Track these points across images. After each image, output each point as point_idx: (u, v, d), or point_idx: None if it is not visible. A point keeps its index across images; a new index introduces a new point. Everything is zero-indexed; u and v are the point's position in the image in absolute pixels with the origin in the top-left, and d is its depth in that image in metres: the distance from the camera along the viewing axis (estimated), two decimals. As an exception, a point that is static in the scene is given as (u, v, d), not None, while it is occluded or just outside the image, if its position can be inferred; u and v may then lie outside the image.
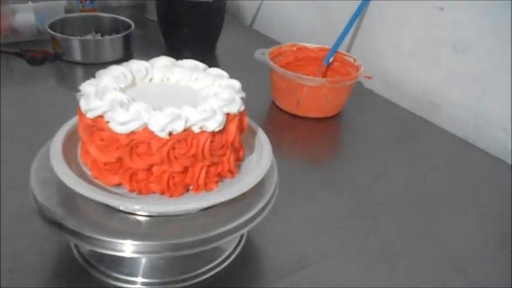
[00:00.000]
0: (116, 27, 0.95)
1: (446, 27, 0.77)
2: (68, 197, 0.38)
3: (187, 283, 0.43)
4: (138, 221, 0.38)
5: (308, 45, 0.84)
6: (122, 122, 0.37)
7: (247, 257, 0.47)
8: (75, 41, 0.85)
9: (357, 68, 0.77)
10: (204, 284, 0.44)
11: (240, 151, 0.44)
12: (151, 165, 0.38)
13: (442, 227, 0.55)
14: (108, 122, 0.37)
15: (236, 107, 0.41)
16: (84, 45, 0.86)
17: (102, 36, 0.94)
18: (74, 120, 0.44)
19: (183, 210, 0.39)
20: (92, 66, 0.83)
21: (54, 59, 0.87)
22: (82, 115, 0.39)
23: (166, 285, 0.43)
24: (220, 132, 0.39)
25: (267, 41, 1.06)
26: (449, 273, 0.48)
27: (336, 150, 0.73)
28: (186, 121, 0.37)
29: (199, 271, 0.44)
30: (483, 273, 0.49)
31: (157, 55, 0.48)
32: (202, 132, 0.38)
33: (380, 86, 0.89)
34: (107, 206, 0.38)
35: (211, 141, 0.39)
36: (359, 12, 0.82)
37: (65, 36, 0.85)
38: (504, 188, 0.63)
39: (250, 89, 0.46)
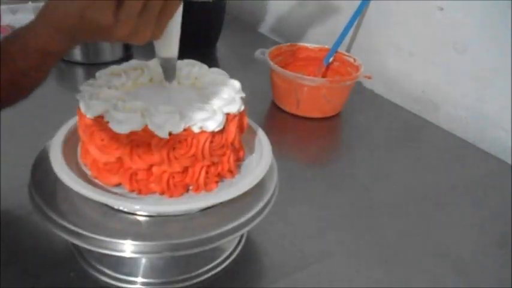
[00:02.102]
0: (115, 27, 0.95)
1: (446, 27, 0.77)
2: (68, 197, 0.38)
3: (187, 283, 0.43)
4: (138, 221, 0.38)
5: (308, 45, 0.84)
6: (121, 122, 0.37)
7: (248, 256, 0.47)
8: (75, 41, 0.85)
9: (357, 68, 0.77)
10: (204, 284, 0.44)
11: (240, 151, 0.44)
12: (151, 165, 0.38)
13: (441, 227, 0.55)
14: (108, 122, 0.37)
15: (236, 107, 0.41)
16: (84, 45, 0.86)
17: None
18: (74, 120, 0.44)
19: (183, 210, 0.39)
20: (92, 66, 0.84)
21: (54, 59, 0.86)
22: (82, 115, 0.39)
23: (166, 285, 0.43)
24: (220, 132, 0.39)
25: (267, 41, 1.06)
26: (449, 273, 0.48)
27: (336, 150, 0.73)
28: (186, 121, 0.37)
29: (199, 271, 0.44)
30: (483, 273, 0.49)
31: (158, 55, 0.48)
32: (202, 132, 0.38)
33: (380, 86, 0.89)
34: (107, 206, 0.38)
35: (211, 141, 0.39)
36: (359, 12, 0.82)
37: (65, 36, 0.85)
38: (504, 188, 0.63)
39: (250, 89, 0.46)
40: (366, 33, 0.91)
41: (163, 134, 0.37)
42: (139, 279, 0.43)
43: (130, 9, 0.30)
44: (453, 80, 0.78)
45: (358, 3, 0.81)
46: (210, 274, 0.44)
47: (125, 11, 0.30)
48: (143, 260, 0.44)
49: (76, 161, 0.42)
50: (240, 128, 0.42)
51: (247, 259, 0.47)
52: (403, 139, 0.74)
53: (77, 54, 0.86)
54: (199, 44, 0.98)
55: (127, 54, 0.91)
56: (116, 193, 0.39)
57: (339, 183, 0.62)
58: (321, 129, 0.75)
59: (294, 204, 0.55)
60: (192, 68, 0.46)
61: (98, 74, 0.43)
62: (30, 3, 0.91)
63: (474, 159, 0.70)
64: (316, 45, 0.83)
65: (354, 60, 0.79)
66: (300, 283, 0.45)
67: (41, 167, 0.41)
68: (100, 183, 0.40)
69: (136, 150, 0.38)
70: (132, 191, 0.40)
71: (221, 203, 0.39)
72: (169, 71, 0.41)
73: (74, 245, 0.45)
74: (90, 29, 0.31)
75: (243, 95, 0.43)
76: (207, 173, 0.40)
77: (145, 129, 0.37)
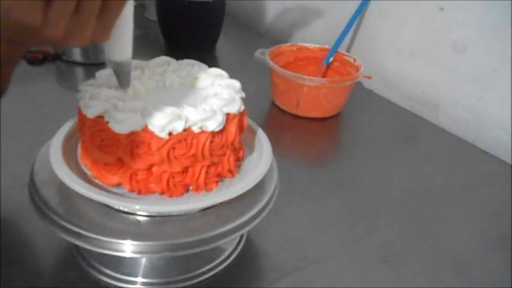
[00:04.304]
0: (115, 27, 0.94)
1: (446, 27, 0.77)
2: (68, 197, 0.38)
3: (187, 283, 0.43)
4: (138, 221, 0.38)
5: (308, 45, 0.84)
6: (121, 122, 0.37)
7: (247, 257, 0.47)
8: (75, 41, 0.85)
9: (357, 68, 0.77)
10: (204, 284, 0.44)
11: (240, 151, 0.44)
12: (151, 165, 0.38)
13: (442, 227, 0.55)
14: (108, 122, 0.37)
15: (236, 107, 0.41)
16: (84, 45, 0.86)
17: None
18: (74, 120, 0.44)
19: (183, 210, 0.39)
20: (92, 66, 0.84)
21: (54, 59, 0.87)
22: (82, 115, 0.39)
23: (166, 285, 0.43)
24: (220, 132, 0.39)
25: (267, 41, 1.06)
26: (449, 273, 0.48)
27: (336, 150, 0.73)
28: (186, 121, 0.37)
29: (199, 271, 0.44)
30: (483, 273, 0.49)
31: (157, 55, 0.48)
32: (202, 132, 0.38)
33: (380, 86, 0.89)
34: (107, 206, 0.38)
35: (211, 141, 0.39)
36: (359, 12, 0.82)
37: (65, 36, 0.85)
38: (504, 188, 0.63)
39: (250, 89, 0.46)
40: (366, 33, 0.91)
41: (163, 134, 0.37)
42: (139, 279, 0.43)
43: (61, 7, 0.27)
44: (453, 80, 0.78)
45: (358, 3, 0.81)
46: (210, 274, 0.44)
47: (55, 10, 0.27)
48: (143, 260, 0.44)
49: (76, 161, 0.42)
50: (240, 128, 0.42)
51: (247, 259, 0.47)
52: (403, 139, 0.74)
53: (77, 54, 0.86)
54: (199, 43, 0.98)
55: (127, 54, 0.91)
56: (116, 193, 0.39)
57: (339, 183, 0.62)
58: (321, 129, 0.75)
59: (294, 204, 0.55)
60: (192, 68, 0.46)
61: (97, 74, 0.43)
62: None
63: (474, 159, 0.70)
64: (316, 45, 0.83)
65: (354, 60, 0.79)
66: (300, 283, 0.45)
67: (41, 167, 0.41)
68: (100, 183, 0.40)
69: (136, 150, 0.38)
70: (132, 191, 0.40)
71: (221, 203, 0.39)
72: (122, 77, 0.37)
73: (73, 245, 0.45)
74: (18, 30, 0.28)
75: (243, 95, 0.43)
76: (207, 173, 0.40)
77: (145, 129, 0.37)
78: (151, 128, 0.37)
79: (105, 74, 0.43)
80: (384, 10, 0.86)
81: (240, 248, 0.48)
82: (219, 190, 0.41)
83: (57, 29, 0.28)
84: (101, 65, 0.45)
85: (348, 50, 0.94)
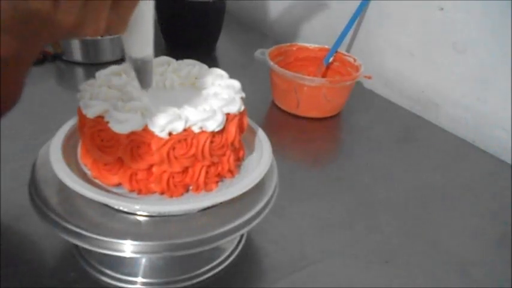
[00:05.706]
0: (115, 27, 0.94)
1: (446, 27, 0.77)
2: (68, 197, 0.38)
3: (187, 283, 0.43)
4: (138, 221, 0.38)
5: (308, 45, 0.84)
6: (121, 122, 0.37)
7: (247, 257, 0.47)
8: (75, 41, 0.85)
9: (357, 68, 0.77)
10: (204, 284, 0.44)
11: (240, 151, 0.44)
12: (151, 165, 0.38)
13: (442, 227, 0.55)
14: (108, 122, 0.37)
15: (236, 107, 0.41)
16: (84, 45, 0.86)
17: (102, 36, 0.94)
18: (74, 120, 0.44)
19: (183, 210, 0.39)
20: (92, 66, 0.84)
21: (54, 59, 0.87)
22: (82, 115, 0.39)
23: (166, 285, 0.43)
24: (220, 132, 0.39)
25: (267, 41, 1.07)
26: (449, 273, 0.48)
27: (336, 150, 0.73)
28: (186, 121, 0.37)
29: (199, 271, 0.44)
30: (483, 273, 0.49)
31: (158, 55, 0.47)
32: (202, 132, 0.38)
33: (380, 86, 0.89)
34: (107, 206, 0.38)
35: (211, 141, 0.39)
36: (359, 12, 0.82)
37: (65, 36, 0.85)
38: (504, 188, 0.63)
39: (250, 89, 0.46)
40: (365, 33, 0.91)
41: (163, 134, 0.37)
42: (139, 279, 0.43)
43: None
44: (453, 80, 0.78)
45: (358, 3, 0.81)
46: (210, 274, 0.44)
47: None
48: (143, 260, 0.44)
49: (76, 161, 0.42)
50: (240, 128, 0.42)
51: (247, 259, 0.47)
52: (403, 139, 0.74)
53: (77, 54, 0.86)
54: (199, 43, 0.98)
55: (127, 54, 0.91)
56: (116, 193, 0.39)
57: (339, 183, 0.62)
58: (321, 129, 0.75)
59: (294, 204, 0.55)
60: (192, 68, 0.46)
61: (97, 74, 0.43)
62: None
63: (474, 159, 0.70)
64: (316, 45, 0.83)
65: (354, 60, 0.79)
66: (300, 283, 0.45)
67: (41, 167, 0.41)
68: (100, 183, 0.40)
69: (136, 150, 0.38)
70: (132, 191, 0.40)
71: (221, 203, 0.39)
72: (144, 76, 0.36)
73: (74, 245, 0.45)
74: (28, 20, 0.27)
75: (243, 95, 0.43)
76: (207, 173, 0.40)
77: (146, 129, 0.37)
78: (151, 128, 0.37)
79: (105, 74, 0.43)
80: (383, 10, 0.86)
81: (240, 248, 0.48)
82: (219, 190, 0.41)
83: (69, 15, 0.27)
84: (101, 65, 0.45)
85: (348, 50, 0.94)
